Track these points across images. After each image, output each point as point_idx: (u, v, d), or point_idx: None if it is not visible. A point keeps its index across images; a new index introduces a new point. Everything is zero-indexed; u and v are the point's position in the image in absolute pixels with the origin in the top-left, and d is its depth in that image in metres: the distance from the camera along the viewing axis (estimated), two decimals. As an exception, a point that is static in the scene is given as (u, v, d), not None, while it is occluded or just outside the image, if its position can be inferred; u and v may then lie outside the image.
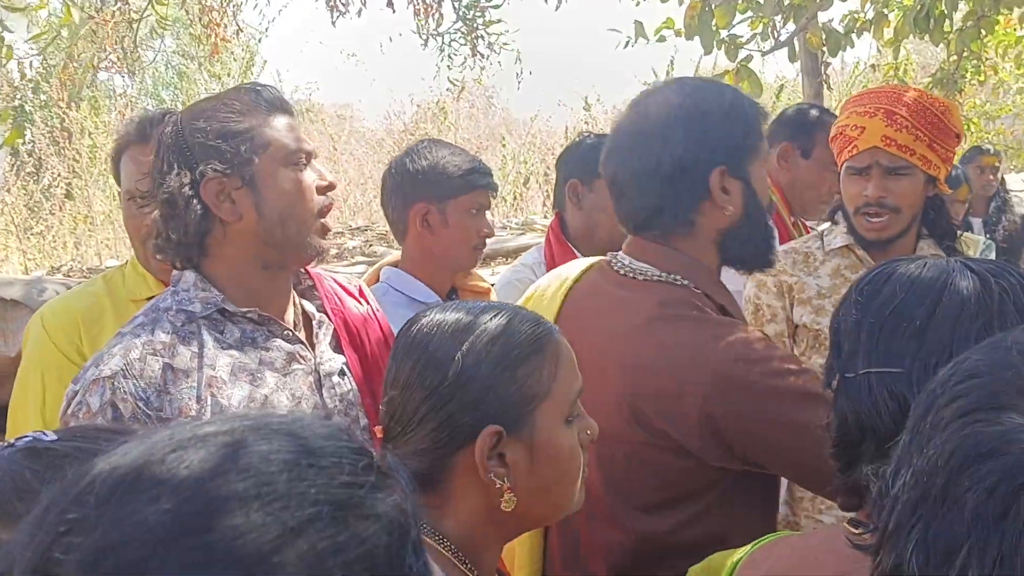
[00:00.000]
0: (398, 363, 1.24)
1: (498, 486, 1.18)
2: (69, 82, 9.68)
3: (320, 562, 0.58)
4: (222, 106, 1.58)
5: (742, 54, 4.04)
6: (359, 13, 6.44)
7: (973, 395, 0.70)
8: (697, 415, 1.47)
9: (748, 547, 1.24)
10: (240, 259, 1.61)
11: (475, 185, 2.41)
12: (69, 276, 6.74)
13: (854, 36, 4.77)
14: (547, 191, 9.30)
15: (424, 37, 6.70)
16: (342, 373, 1.71)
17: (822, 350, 2.30)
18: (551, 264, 2.63)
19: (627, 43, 4.53)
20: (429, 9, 6.57)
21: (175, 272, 1.64)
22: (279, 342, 1.64)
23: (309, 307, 1.74)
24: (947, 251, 2.36)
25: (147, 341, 1.53)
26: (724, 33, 4.03)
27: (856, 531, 0.98)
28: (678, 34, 4.17)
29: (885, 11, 4.80)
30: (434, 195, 2.40)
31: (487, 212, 2.47)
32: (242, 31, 8.08)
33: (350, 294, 1.84)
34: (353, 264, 5.82)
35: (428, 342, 1.22)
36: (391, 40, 8.86)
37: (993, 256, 3.24)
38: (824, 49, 4.24)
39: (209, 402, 1.52)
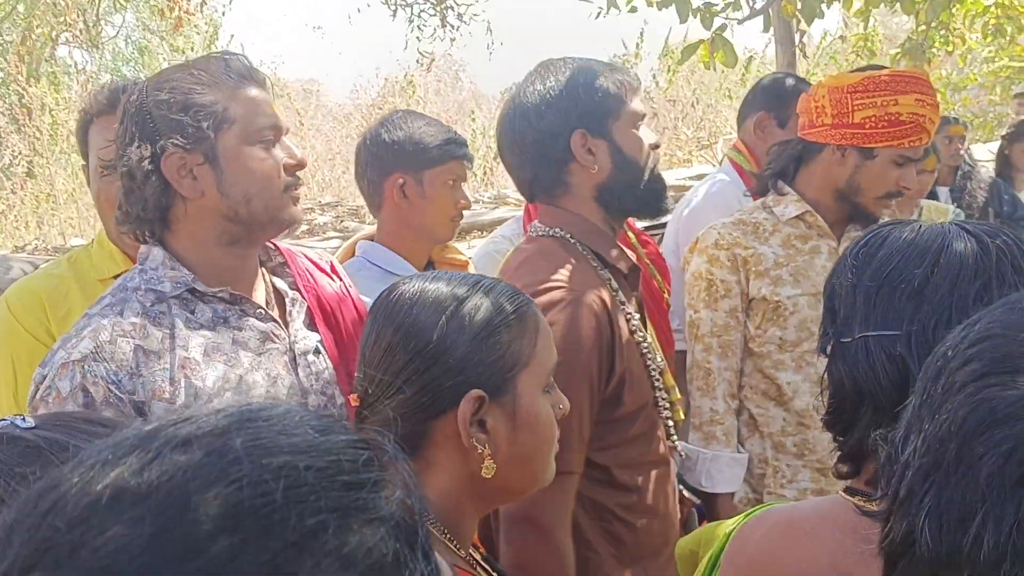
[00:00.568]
0: (378, 328, 1.23)
1: (479, 451, 1.18)
2: (28, 57, 9.46)
3: None
4: (188, 76, 1.52)
5: (717, 23, 4.02)
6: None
7: (986, 358, 0.68)
8: None
9: (740, 517, 1.24)
10: (204, 235, 1.56)
11: (452, 155, 2.39)
12: (34, 255, 6.61)
13: (824, 6, 4.77)
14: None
15: (393, 8, 6.61)
16: (317, 351, 1.67)
17: (780, 321, 2.29)
18: (529, 234, 2.63)
19: (599, 14, 4.50)
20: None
21: (142, 248, 1.59)
22: (252, 321, 1.60)
23: (281, 285, 1.70)
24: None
25: (116, 322, 1.48)
26: (699, 2, 4.00)
27: (855, 499, 0.97)
28: (651, 4, 4.14)
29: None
30: (411, 166, 2.36)
31: (463, 184, 2.45)
32: (206, 3, 7.93)
33: (322, 270, 1.80)
34: (326, 239, 5.76)
35: (411, 307, 1.22)
36: (359, 11, 8.75)
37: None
38: (799, 17, 4.23)
39: (183, 384, 1.49)
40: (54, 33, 8.43)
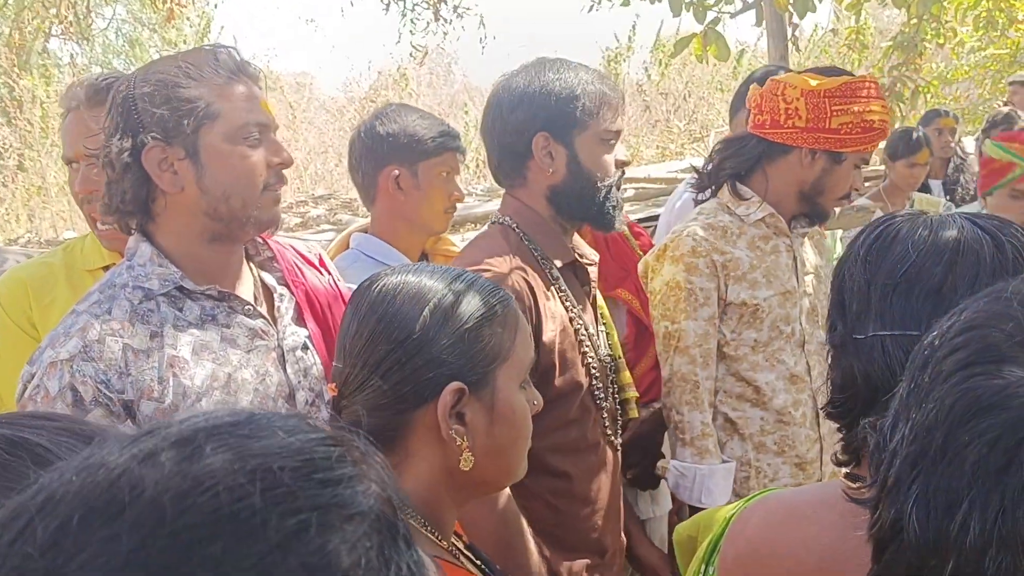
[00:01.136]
0: (360, 318, 1.23)
1: (457, 443, 1.19)
2: (18, 49, 9.42)
3: None
4: (176, 69, 1.50)
5: (710, 16, 4.03)
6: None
7: (972, 347, 0.69)
8: None
9: (740, 502, 1.24)
10: (186, 230, 1.55)
11: (446, 147, 2.40)
12: (27, 247, 6.60)
13: (816, 0, 4.78)
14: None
15: (386, 2, 6.60)
16: (305, 347, 1.66)
17: (756, 324, 2.29)
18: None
19: (591, 7, 4.51)
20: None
21: (130, 242, 1.58)
22: (241, 318, 1.59)
23: (270, 280, 1.69)
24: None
25: (105, 321, 1.47)
26: (692, -5, 4.02)
27: (854, 485, 0.98)
28: (644, -3, 4.15)
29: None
30: (405, 158, 2.37)
31: (456, 177, 2.46)
32: (198, -4, 7.90)
33: (311, 264, 1.79)
34: (320, 232, 5.77)
35: (394, 298, 1.22)
36: (352, 4, 8.73)
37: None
38: (791, 10, 4.25)
39: (171, 382, 1.48)
40: (45, 25, 8.39)
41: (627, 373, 2.11)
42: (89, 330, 1.46)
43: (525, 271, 1.87)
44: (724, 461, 2.30)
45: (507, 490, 1.74)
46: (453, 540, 1.31)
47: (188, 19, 11.06)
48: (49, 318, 1.87)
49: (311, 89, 12.22)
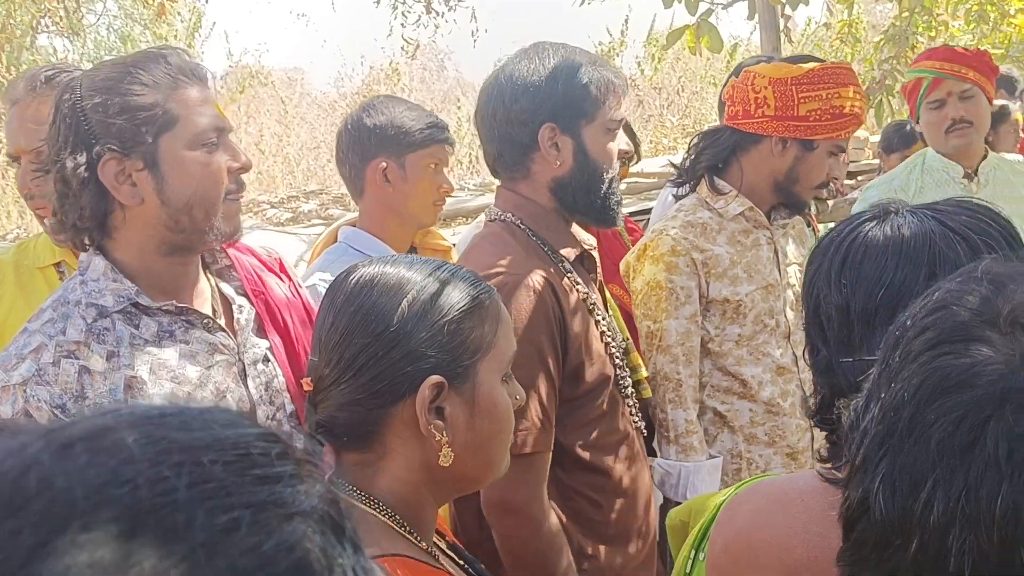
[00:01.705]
0: (336, 311, 1.20)
1: (437, 439, 1.16)
2: (8, 45, 9.36)
3: None
4: (127, 76, 1.43)
5: (702, 8, 4.01)
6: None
7: (941, 327, 0.69)
8: None
9: (731, 489, 1.23)
10: (144, 243, 1.49)
11: (434, 139, 2.38)
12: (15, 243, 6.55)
13: (809, -7, 4.76)
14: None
15: (376, -5, 6.57)
16: (266, 359, 1.61)
17: (740, 319, 2.28)
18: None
19: (583, 1, 4.48)
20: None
21: (82, 257, 1.52)
22: (199, 333, 1.53)
23: (228, 290, 1.63)
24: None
25: (59, 342, 1.41)
26: (683, -13, 3.99)
27: (828, 466, 0.97)
28: (636, -11, 4.12)
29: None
30: (393, 150, 2.35)
31: (445, 169, 2.44)
32: (188, -10, 7.87)
33: (271, 270, 1.73)
34: (310, 226, 5.74)
35: (371, 290, 1.18)
36: (343, -1, 8.69)
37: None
38: (783, 3, 4.23)
39: None
40: (34, 21, 8.34)
41: (636, 354, 2.07)
42: (43, 352, 1.40)
43: (542, 270, 1.79)
44: (711, 457, 2.30)
45: (551, 511, 1.72)
46: (435, 539, 1.29)
47: (179, 14, 11.01)
48: None
49: (302, 84, 12.19)
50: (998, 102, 5.52)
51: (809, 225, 2.82)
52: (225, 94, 10.17)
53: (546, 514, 1.71)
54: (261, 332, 1.64)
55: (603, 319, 1.90)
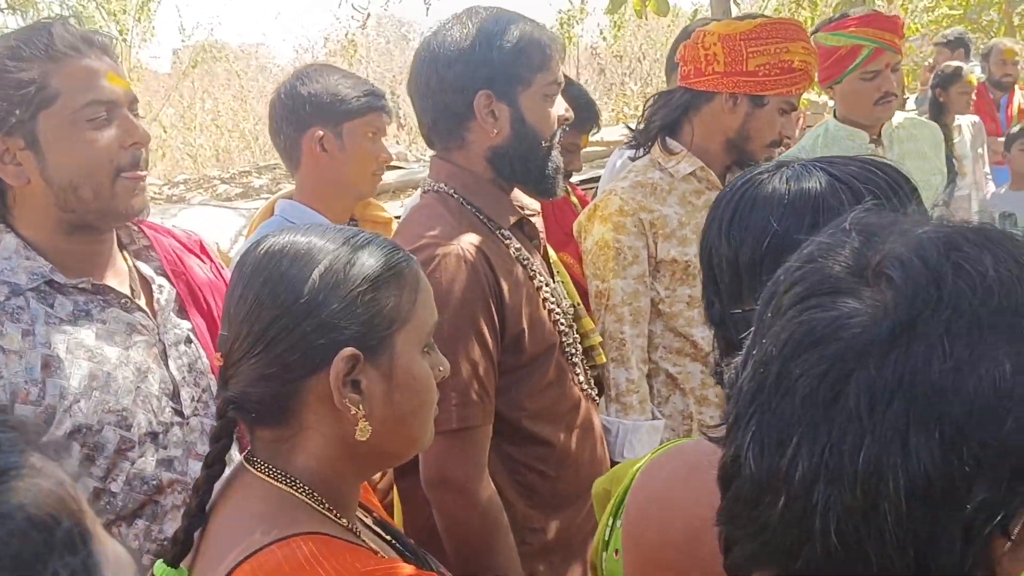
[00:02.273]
0: (245, 282, 1.15)
1: (352, 412, 1.12)
2: (-49, 21, 9.11)
3: None
4: (6, 51, 1.39)
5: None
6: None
7: (809, 280, 0.67)
8: None
9: (649, 455, 1.21)
10: (43, 222, 1.45)
11: (371, 107, 2.31)
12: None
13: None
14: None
15: (326, -36, 6.43)
16: (188, 340, 1.57)
17: (690, 280, 2.27)
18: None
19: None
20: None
21: None
22: (116, 312, 1.50)
23: (147, 270, 1.59)
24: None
25: None
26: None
27: (712, 425, 0.97)
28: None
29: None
30: (329, 119, 2.29)
31: (383, 138, 2.38)
32: (136, -37, 7.67)
33: (191, 251, 1.69)
34: (258, 200, 5.63)
35: (280, 259, 1.13)
36: (294, -31, 8.51)
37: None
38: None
39: (47, 384, 1.39)
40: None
41: (588, 319, 2.04)
42: None
43: (474, 239, 1.75)
44: (655, 419, 2.30)
45: (491, 487, 1.69)
46: (361, 515, 1.26)
47: (129, -13, 10.76)
48: None
49: (258, 58, 11.99)
50: (952, 63, 5.54)
51: None
52: (178, 69, 9.98)
53: (485, 490, 1.68)
54: (183, 313, 1.60)
55: (547, 285, 1.86)
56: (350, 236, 1.18)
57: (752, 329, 0.71)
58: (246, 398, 1.14)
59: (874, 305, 0.63)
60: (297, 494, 1.13)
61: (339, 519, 1.15)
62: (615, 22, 12.35)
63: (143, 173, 1.50)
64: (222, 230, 4.34)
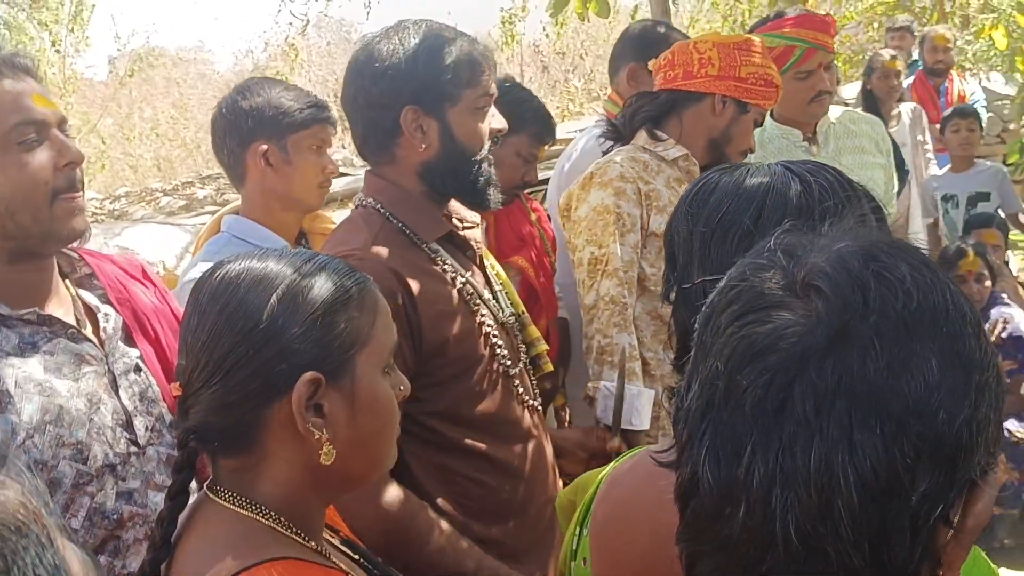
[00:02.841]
0: (201, 309, 1.14)
1: (316, 437, 1.11)
2: None
3: None
4: None
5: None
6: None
7: (743, 298, 0.71)
8: None
9: (613, 463, 1.23)
10: None
11: (315, 119, 2.30)
12: None
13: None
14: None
15: (263, -30, 6.35)
16: (137, 369, 1.55)
17: None
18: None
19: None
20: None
21: None
22: (64, 343, 1.46)
23: (91, 299, 1.56)
24: None
25: None
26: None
27: (658, 449, 0.99)
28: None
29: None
30: (273, 132, 2.27)
31: (328, 149, 2.36)
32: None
33: (134, 277, 1.66)
34: (202, 214, 5.54)
35: (237, 287, 1.13)
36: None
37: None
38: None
39: None
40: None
41: (533, 328, 2.03)
42: None
43: (384, 251, 1.74)
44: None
45: (398, 490, 1.67)
46: (328, 536, 1.25)
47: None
48: None
49: (197, 65, 11.81)
50: (884, 52, 5.64)
51: None
52: (115, 78, 9.79)
53: (388, 493, 1.65)
54: (130, 341, 1.57)
55: (479, 296, 1.86)
56: (306, 260, 1.18)
57: (693, 353, 0.74)
58: (207, 427, 1.13)
59: (807, 315, 0.67)
60: (264, 520, 1.12)
61: (308, 542, 1.14)
62: (557, 20, 12.37)
63: (79, 194, 1.47)
64: (168, 247, 4.27)
